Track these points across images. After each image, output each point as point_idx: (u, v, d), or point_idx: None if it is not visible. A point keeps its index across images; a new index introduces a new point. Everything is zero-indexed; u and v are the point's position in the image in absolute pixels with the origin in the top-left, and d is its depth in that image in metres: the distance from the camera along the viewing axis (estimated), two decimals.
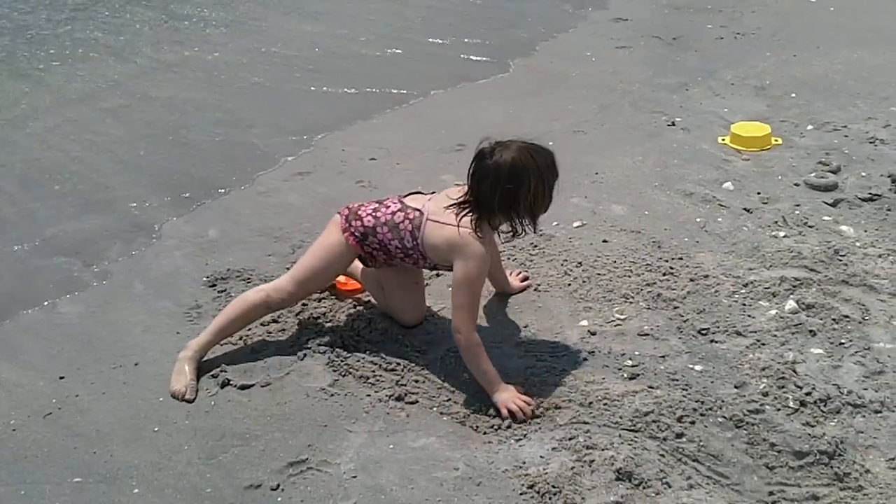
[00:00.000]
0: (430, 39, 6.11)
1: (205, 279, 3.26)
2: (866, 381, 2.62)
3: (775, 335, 2.84)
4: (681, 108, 4.85)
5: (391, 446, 2.43)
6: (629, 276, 3.19)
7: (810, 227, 3.52)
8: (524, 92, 5.21)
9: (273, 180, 4.11)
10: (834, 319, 2.90)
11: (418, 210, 2.68)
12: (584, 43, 6.14)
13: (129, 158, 4.37)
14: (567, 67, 5.60)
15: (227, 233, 3.62)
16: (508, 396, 2.53)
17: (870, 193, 3.77)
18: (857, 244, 3.37)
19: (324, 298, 3.09)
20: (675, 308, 3.00)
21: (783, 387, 2.56)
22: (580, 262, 3.29)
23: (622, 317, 2.97)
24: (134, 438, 2.48)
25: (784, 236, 3.45)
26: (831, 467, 2.29)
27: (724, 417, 2.46)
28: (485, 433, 2.47)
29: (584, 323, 2.95)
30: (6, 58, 5.76)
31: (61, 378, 2.74)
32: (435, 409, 2.58)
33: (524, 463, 2.35)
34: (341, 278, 3.13)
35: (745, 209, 3.69)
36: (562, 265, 3.28)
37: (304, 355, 2.80)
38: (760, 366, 2.67)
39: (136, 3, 6.95)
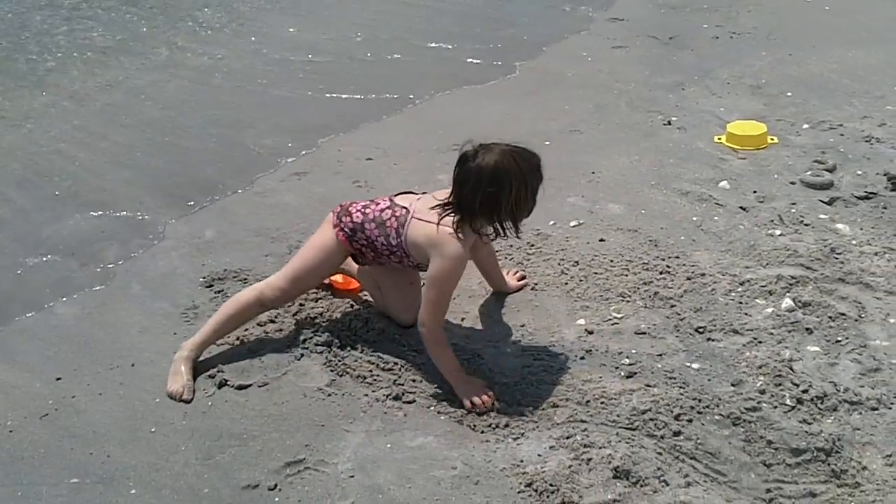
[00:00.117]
0: (431, 43, 6.10)
1: (201, 280, 3.26)
2: (863, 379, 2.63)
3: (772, 333, 2.84)
4: (677, 108, 4.86)
5: (389, 446, 2.43)
6: (626, 275, 3.20)
7: (806, 225, 3.52)
8: (521, 92, 5.21)
9: (270, 181, 4.11)
10: (830, 317, 2.91)
11: (405, 208, 2.70)
12: (580, 43, 6.14)
13: (125, 159, 4.36)
14: (564, 67, 5.60)
15: (223, 233, 3.62)
16: (471, 389, 2.59)
17: (865, 192, 3.77)
18: (854, 242, 3.38)
19: (321, 298, 3.09)
20: (672, 306, 3.01)
21: (780, 384, 2.57)
22: (577, 262, 3.29)
23: (619, 315, 2.98)
24: (131, 439, 2.48)
25: (780, 235, 3.45)
26: (828, 464, 2.30)
27: (722, 415, 2.46)
28: (482, 432, 2.48)
29: (582, 322, 2.95)
30: (2, 58, 5.74)
31: (58, 379, 2.74)
32: (432, 408, 2.58)
33: (522, 461, 2.35)
34: (339, 277, 3.13)
35: (741, 208, 3.69)
36: (559, 264, 3.29)
37: (302, 355, 2.80)
38: (757, 364, 2.67)
39: (133, 4, 6.94)
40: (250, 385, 2.68)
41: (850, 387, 2.58)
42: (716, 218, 3.62)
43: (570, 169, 4.03)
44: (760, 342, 2.80)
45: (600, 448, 2.36)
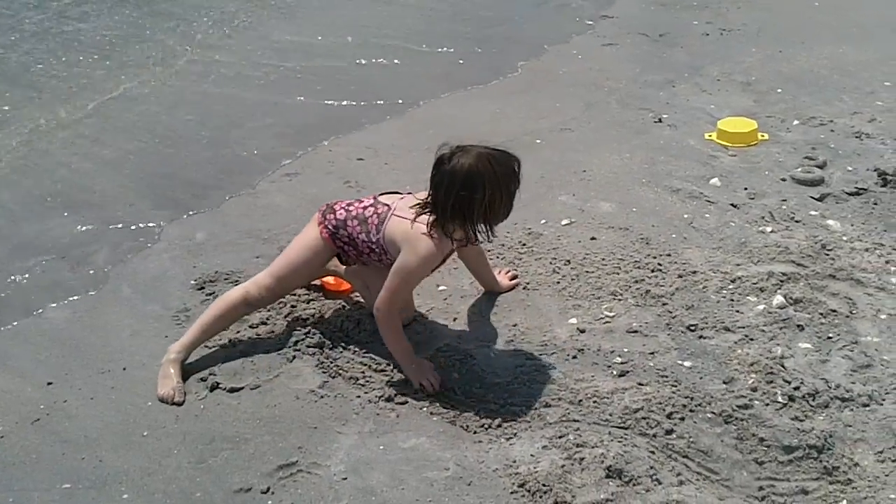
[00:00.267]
0: (423, 46, 6.07)
1: (193, 282, 3.25)
2: (854, 375, 2.64)
3: (763, 330, 2.85)
4: (667, 105, 4.86)
5: (381, 447, 2.43)
6: (617, 274, 3.20)
7: (797, 221, 3.53)
8: (511, 91, 5.20)
9: (261, 182, 4.10)
10: (821, 314, 2.91)
11: (387, 206, 2.73)
12: (571, 41, 6.13)
13: (116, 161, 4.33)
14: (554, 66, 5.60)
15: (214, 235, 3.61)
16: (420, 371, 2.64)
17: (856, 188, 3.78)
18: (844, 238, 3.39)
19: (313, 300, 3.09)
20: (664, 304, 3.01)
21: (772, 382, 2.58)
22: (568, 260, 3.29)
23: (611, 314, 2.98)
24: (123, 443, 2.47)
25: (771, 231, 3.46)
26: (820, 461, 2.31)
27: (714, 413, 2.47)
28: (475, 432, 2.48)
29: (573, 321, 2.95)
30: None
31: (49, 384, 2.73)
32: (425, 409, 2.58)
33: (514, 462, 2.35)
34: (330, 279, 3.12)
35: (732, 205, 3.70)
36: (550, 263, 3.29)
37: (294, 357, 2.79)
38: (749, 361, 2.68)
39: (124, 5, 6.90)
40: (242, 388, 2.67)
41: (841, 383, 2.59)
42: (707, 215, 3.63)
43: (562, 167, 4.03)
44: (752, 339, 2.80)
45: (593, 447, 2.36)
